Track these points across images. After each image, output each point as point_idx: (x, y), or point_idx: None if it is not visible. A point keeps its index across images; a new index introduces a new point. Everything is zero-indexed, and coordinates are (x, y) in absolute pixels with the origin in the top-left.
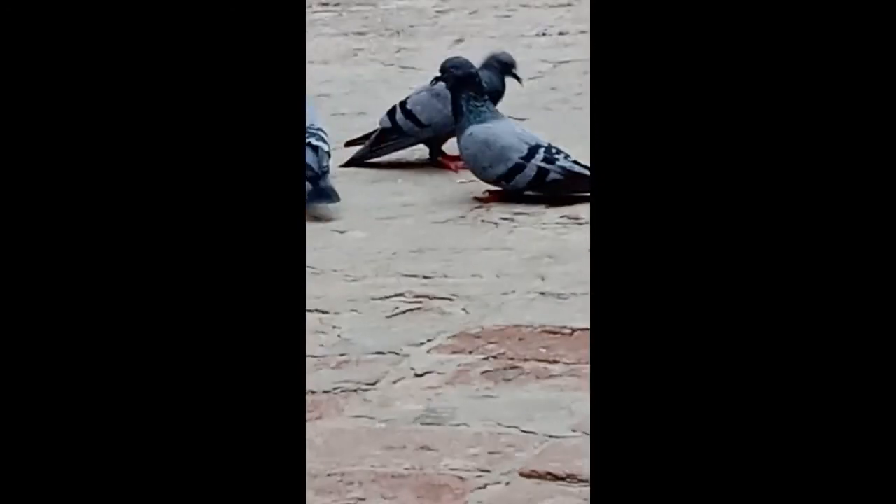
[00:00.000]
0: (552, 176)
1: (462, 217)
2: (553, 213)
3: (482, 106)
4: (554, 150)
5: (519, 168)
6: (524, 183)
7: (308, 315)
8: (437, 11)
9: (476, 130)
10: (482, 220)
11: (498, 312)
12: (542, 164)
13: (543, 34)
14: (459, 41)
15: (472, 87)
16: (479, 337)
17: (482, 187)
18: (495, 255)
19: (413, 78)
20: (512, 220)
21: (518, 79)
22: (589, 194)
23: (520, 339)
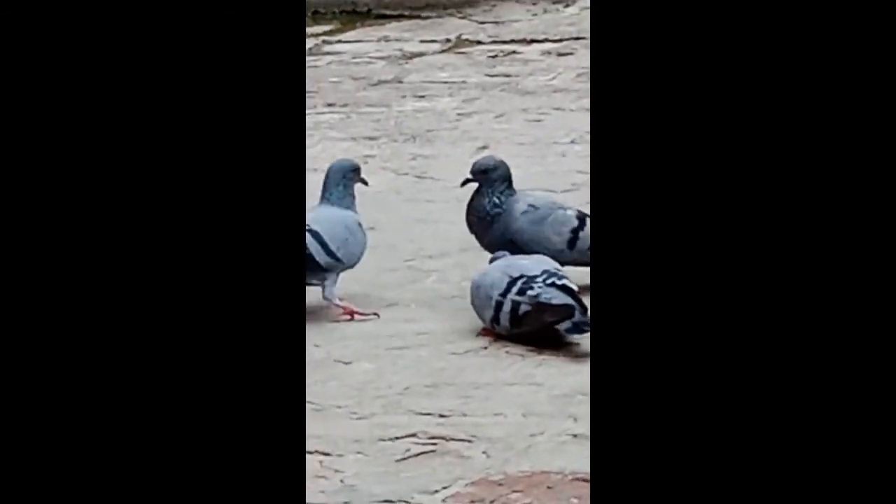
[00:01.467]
0: (522, 308)
1: (484, 348)
2: (587, 344)
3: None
4: (541, 278)
5: (499, 306)
6: (507, 321)
7: (308, 457)
8: (459, 114)
9: (475, 275)
10: (507, 352)
11: (524, 456)
12: (516, 298)
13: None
14: (483, 147)
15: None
16: (501, 484)
17: None
18: (521, 392)
19: (431, 189)
20: (540, 352)
21: (364, 182)
22: (566, 325)
23: (548, 488)
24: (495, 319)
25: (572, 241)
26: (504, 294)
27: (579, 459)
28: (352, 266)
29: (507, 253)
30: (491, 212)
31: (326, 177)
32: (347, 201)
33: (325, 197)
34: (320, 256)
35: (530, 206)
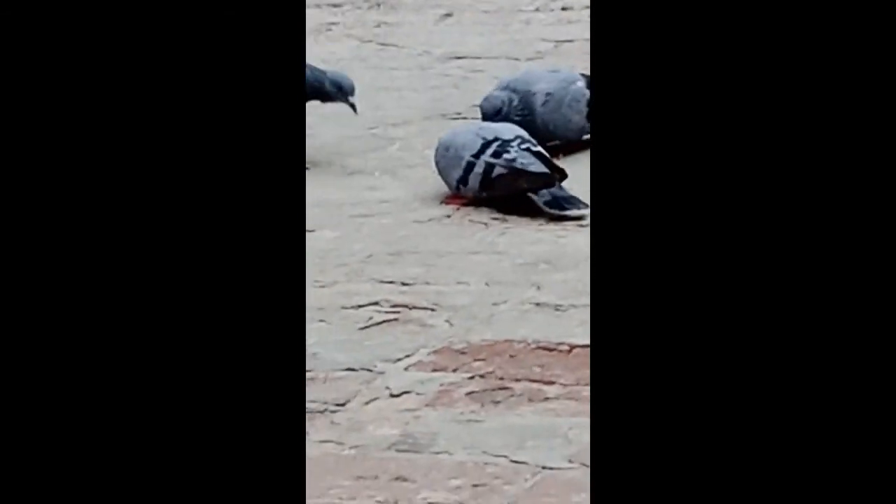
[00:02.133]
0: (496, 171)
1: (447, 216)
2: (550, 214)
3: None
4: (515, 142)
5: (469, 167)
6: (476, 183)
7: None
8: None
9: (444, 136)
10: (470, 220)
11: (487, 325)
12: (490, 160)
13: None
14: (448, 15)
15: None
16: (464, 353)
17: None
18: (485, 260)
19: (396, 56)
20: (504, 220)
21: (353, 107)
22: (545, 196)
23: (511, 356)
24: (463, 181)
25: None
26: (476, 155)
27: (542, 328)
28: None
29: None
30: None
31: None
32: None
33: None
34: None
35: (547, 95)
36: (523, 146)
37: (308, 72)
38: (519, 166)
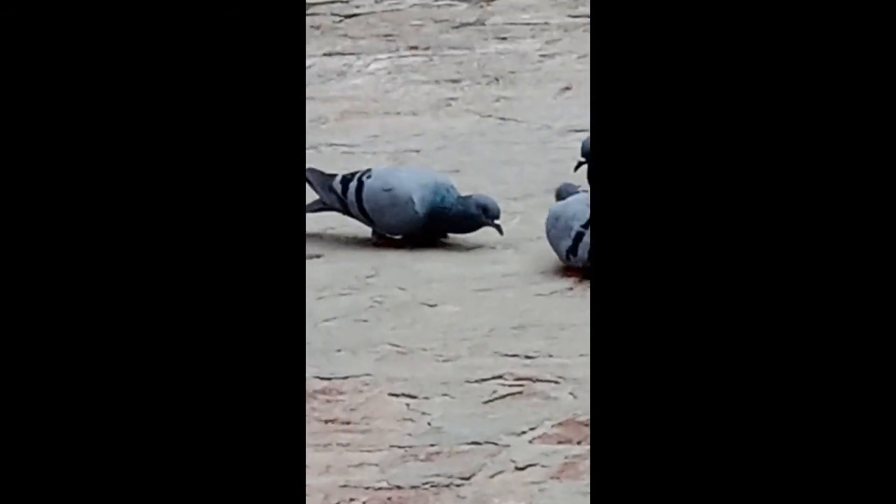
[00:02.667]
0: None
1: (570, 289)
2: None
3: None
4: None
5: (579, 237)
6: (585, 253)
7: (394, 400)
8: (542, 55)
9: (554, 206)
10: None
11: None
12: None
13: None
14: (567, 89)
15: None
16: (588, 425)
17: None
18: None
19: (515, 130)
20: None
21: (499, 229)
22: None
23: None
24: (572, 251)
25: None
26: (586, 226)
27: None
28: (392, 233)
29: (578, 188)
30: None
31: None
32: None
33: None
34: (353, 209)
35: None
36: None
37: (454, 199)
38: None
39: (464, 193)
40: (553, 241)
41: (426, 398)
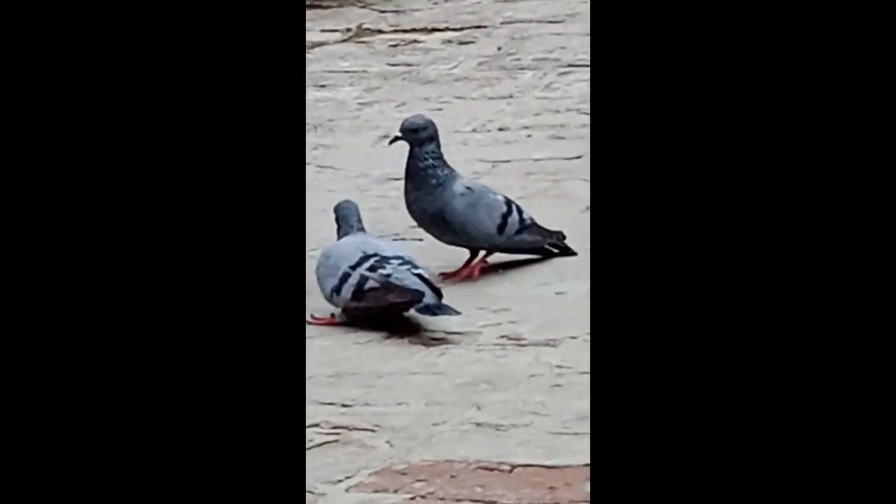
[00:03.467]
0: (369, 284)
1: (386, 337)
2: (490, 333)
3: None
4: (396, 261)
5: (345, 278)
6: (348, 294)
7: None
8: (360, 104)
9: (328, 247)
10: (410, 341)
11: (427, 446)
12: (365, 273)
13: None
14: (384, 136)
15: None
16: (405, 474)
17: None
18: (424, 381)
19: (332, 178)
20: (444, 340)
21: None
22: (408, 309)
23: (452, 477)
24: (336, 290)
25: (502, 226)
26: (354, 267)
27: (483, 448)
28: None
29: (351, 205)
30: (429, 180)
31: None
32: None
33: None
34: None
35: (467, 188)
36: (403, 266)
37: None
38: (393, 280)
39: None
40: (320, 279)
41: None
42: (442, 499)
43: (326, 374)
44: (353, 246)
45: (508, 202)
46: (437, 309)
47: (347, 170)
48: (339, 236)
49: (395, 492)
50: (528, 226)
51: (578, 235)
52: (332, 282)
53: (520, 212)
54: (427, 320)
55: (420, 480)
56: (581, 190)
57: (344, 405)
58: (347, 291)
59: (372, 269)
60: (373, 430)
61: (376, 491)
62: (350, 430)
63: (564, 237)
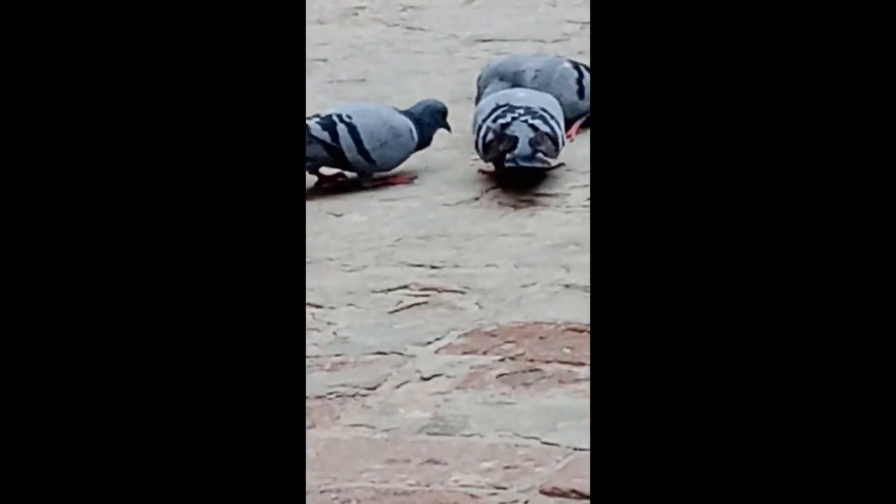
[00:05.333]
0: (489, 137)
1: (476, 199)
2: (580, 194)
3: None
4: (521, 110)
5: (478, 132)
6: (480, 148)
7: None
8: None
9: (480, 102)
10: (499, 203)
11: (516, 307)
12: (489, 124)
13: None
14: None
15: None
16: (494, 335)
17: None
18: (514, 242)
19: (421, 40)
20: (532, 202)
21: (448, 128)
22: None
23: (541, 338)
24: (476, 145)
25: (580, 91)
26: (485, 120)
27: (572, 309)
28: (388, 170)
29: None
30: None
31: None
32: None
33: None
34: (351, 153)
35: (536, 71)
36: (524, 116)
37: (424, 119)
38: (509, 132)
39: (372, 103)
40: (474, 139)
41: (332, 308)
42: (531, 360)
43: (416, 236)
44: (492, 100)
45: (577, 66)
46: (525, 160)
47: (436, 31)
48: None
49: (484, 353)
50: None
51: None
52: (474, 138)
53: (587, 70)
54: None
55: (509, 342)
56: None
57: (433, 266)
58: (479, 146)
59: (494, 119)
60: (462, 292)
61: (465, 353)
62: (439, 291)
63: None
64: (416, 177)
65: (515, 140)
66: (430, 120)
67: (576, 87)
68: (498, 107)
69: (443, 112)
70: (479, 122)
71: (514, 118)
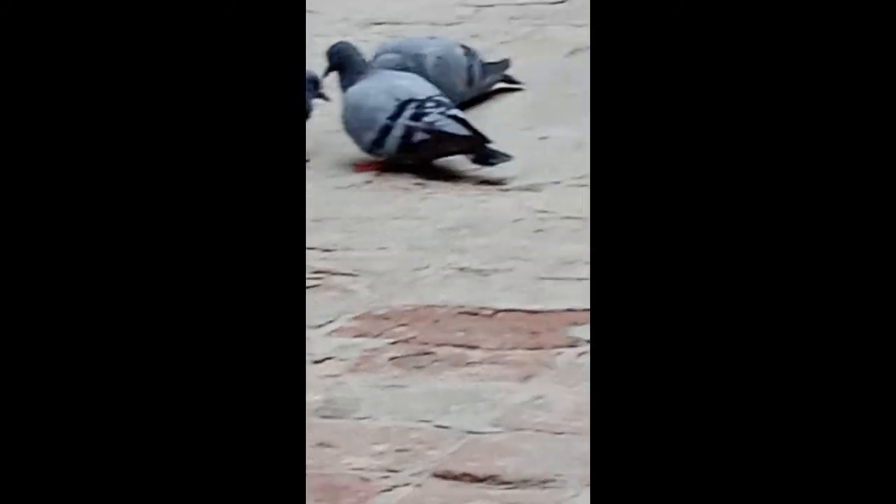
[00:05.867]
0: (418, 136)
1: (368, 182)
2: (472, 177)
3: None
4: (431, 104)
5: (386, 130)
6: (394, 148)
7: None
8: None
9: (350, 94)
10: (391, 186)
11: (409, 290)
12: (410, 123)
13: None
14: None
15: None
16: (387, 318)
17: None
18: (406, 225)
19: (316, 22)
20: (424, 185)
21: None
22: (464, 155)
23: (434, 321)
24: (376, 142)
25: (470, 79)
26: (393, 118)
27: (465, 293)
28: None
29: (349, 45)
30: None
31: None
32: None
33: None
34: None
35: (438, 58)
36: (439, 109)
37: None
38: (443, 129)
39: None
40: (353, 131)
41: None
42: (424, 343)
43: (309, 219)
44: (382, 92)
45: (467, 51)
46: (492, 158)
47: (330, 13)
48: (348, 81)
49: (377, 336)
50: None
51: (564, 79)
52: (370, 135)
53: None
54: (473, 167)
55: (402, 325)
56: (567, 34)
57: (325, 250)
58: (392, 145)
59: (415, 118)
60: (354, 275)
61: (357, 335)
62: (332, 274)
63: (508, 65)
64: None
65: (478, 140)
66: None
67: (465, 77)
68: (404, 101)
69: (315, 81)
70: (384, 119)
71: (440, 113)
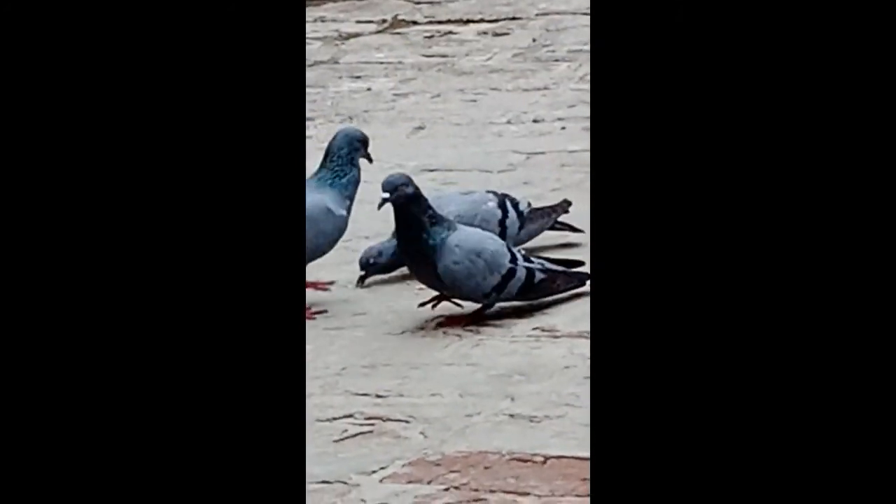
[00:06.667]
0: (538, 276)
1: (420, 328)
2: (524, 325)
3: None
4: (519, 253)
5: (511, 274)
6: (516, 289)
7: None
8: (395, 95)
9: (461, 241)
10: (444, 332)
11: (461, 437)
12: (529, 265)
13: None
14: (420, 128)
15: (423, 202)
16: (439, 464)
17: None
18: (458, 372)
19: (369, 169)
20: (477, 332)
21: (369, 159)
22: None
23: (486, 468)
24: (498, 288)
25: (503, 231)
26: (514, 261)
27: (517, 439)
28: (318, 256)
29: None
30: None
31: (331, 142)
32: (345, 173)
33: (324, 165)
34: None
35: (457, 216)
36: (522, 252)
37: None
38: (555, 269)
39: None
40: (469, 278)
41: None
42: (475, 490)
43: (361, 365)
44: (494, 241)
45: (502, 203)
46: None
47: (382, 161)
48: (436, 230)
49: (429, 483)
50: (527, 216)
51: None
52: (493, 280)
53: (515, 205)
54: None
55: (453, 471)
56: None
57: (378, 396)
58: (514, 287)
59: (528, 261)
60: (406, 421)
61: (410, 482)
62: (384, 420)
63: (569, 204)
64: (333, 282)
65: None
66: (348, 149)
67: (497, 230)
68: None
69: (363, 140)
70: (508, 263)
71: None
